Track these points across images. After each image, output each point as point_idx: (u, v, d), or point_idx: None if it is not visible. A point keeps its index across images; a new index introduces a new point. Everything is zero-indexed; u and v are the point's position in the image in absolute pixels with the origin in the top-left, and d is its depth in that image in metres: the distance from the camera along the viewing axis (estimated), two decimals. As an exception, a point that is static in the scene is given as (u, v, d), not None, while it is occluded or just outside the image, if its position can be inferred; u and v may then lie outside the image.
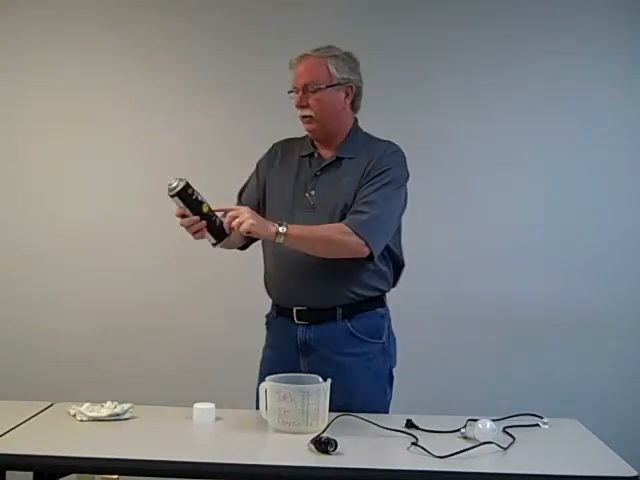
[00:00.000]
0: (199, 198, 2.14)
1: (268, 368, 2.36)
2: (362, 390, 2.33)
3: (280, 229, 2.18)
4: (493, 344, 3.38)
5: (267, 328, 2.51)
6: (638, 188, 3.40)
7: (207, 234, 2.17)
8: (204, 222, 2.15)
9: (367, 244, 2.26)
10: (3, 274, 3.45)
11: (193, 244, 3.61)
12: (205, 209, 2.15)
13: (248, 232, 2.17)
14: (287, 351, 2.38)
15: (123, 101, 3.45)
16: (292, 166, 2.43)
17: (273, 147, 2.52)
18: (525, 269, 3.38)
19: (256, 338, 3.43)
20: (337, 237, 2.26)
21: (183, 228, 2.18)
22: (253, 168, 2.53)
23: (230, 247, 2.44)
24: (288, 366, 2.28)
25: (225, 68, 3.42)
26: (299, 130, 2.46)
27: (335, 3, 3.37)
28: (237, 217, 2.14)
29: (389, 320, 2.45)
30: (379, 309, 2.41)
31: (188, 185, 2.13)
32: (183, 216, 2.16)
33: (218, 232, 2.18)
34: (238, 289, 3.40)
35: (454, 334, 3.35)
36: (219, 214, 2.19)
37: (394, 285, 2.46)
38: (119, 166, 3.46)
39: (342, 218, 2.30)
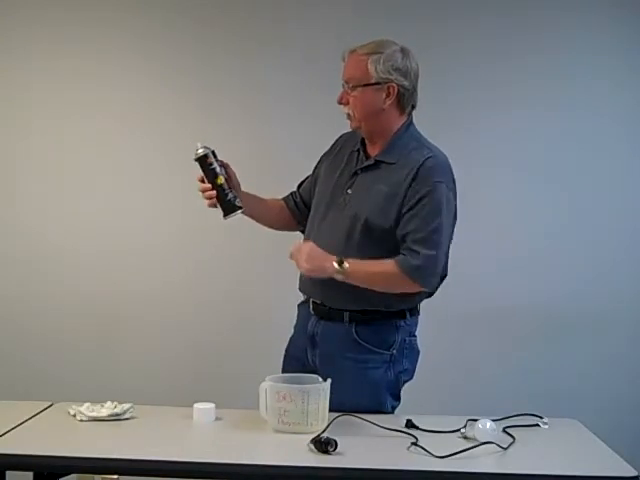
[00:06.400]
0: (216, 170, 2.30)
1: (288, 350, 2.48)
2: (353, 397, 2.24)
3: (337, 267, 2.20)
4: (493, 344, 3.38)
5: (297, 313, 2.53)
6: (638, 187, 3.41)
7: (218, 205, 2.31)
8: (214, 192, 2.30)
9: (420, 284, 2.25)
10: (3, 274, 3.45)
11: (193, 244, 3.62)
12: (219, 181, 2.30)
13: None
14: (301, 339, 2.43)
15: (126, 101, 3.44)
16: (342, 160, 2.41)
17: (338, 139, 2.50)
18: (525, 269, 3.38)
19: (256, 338, 3.45)
20: (392, 281, 2.24)
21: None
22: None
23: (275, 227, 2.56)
24: (300, 353, 2.40)
25: (228, 68, 3.42)
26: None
27: (336, 3, 3.38)
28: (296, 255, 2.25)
29: (408, 333, 2.36)
30: (397, 320, 2.33)
31: (208, 155, 2.29)
32: (203, 182, 2.31)
33: (227, 206, 2.31)
34: (238, 289, 3.40)
35: (454, 334, 3.35)
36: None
37: (430, 296, 2.41)
38: (120, 166, 3.46)
39: (363, 232, 2.26)
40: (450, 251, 2.38)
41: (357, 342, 2.31)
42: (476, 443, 1.96)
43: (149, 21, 3.43)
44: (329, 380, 2.10)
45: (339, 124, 2.48)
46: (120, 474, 2.17)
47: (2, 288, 3.44)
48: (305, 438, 1.95)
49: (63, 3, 3.43)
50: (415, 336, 2.40)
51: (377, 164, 2.32)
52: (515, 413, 2.22)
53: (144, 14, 3.43)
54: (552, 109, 3.37)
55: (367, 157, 2.36)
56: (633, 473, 1.83)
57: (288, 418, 2.05)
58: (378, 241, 2.28)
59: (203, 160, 2.29)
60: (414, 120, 2.39)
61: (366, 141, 2.38)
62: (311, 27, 3.33)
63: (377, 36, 3.40)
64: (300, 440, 1.95)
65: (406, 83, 2.29)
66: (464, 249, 3.33)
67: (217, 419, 2.20)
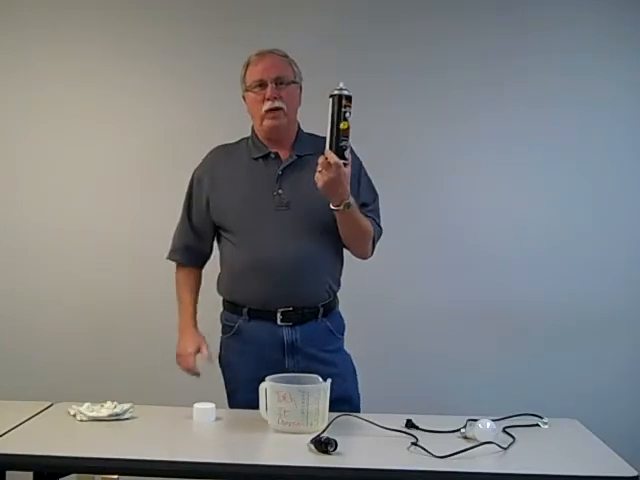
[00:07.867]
0: (346, 115, 2.17)
1: (244, 376, 2.36)
2: (348, 381, 2.43)
3: (349, 201, 2.24)
4: (493, 344, 3.38)
5: (233, 334, 2.48)
6: (638, 187, 3.41)
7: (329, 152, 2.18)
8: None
9: (373, 249, 2.46)
10: (3, 273, 3.45)
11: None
12: (343, 126, 2.17)
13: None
14: (269, 355, 2.37)
15: (126, 101, 3.45)
16: (242, 169, 2.42)
17: (207, 157, 2.53)
18: (526, 269, 3.38)
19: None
20: (366, 237, 2.40)
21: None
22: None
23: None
24: (271, 369, 2.22)
25: (229, 68, 3.39)
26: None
27: (337, 3, 3.38)
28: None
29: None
30: (337, 307, 2.49)
31: (348, 99, 2.16)
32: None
33: (340, 154, 2.18)
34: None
35: (454, 334, 3.35)
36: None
37: None
38: (119, 166, 3.46)
39: (324, 217, 2.31)
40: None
41: (332, 333, 2.43)
42: (476, 443, 1.96)
43: (149, 21, 3.43)
44: (329, 380, 2.11)
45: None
46: (120, 474, 2.17)
47: (2, 288, 3.44)
48: (305, 438, 1.95)
49: (63, 3, 3.44)
50: None
51: (299, 159, 2.41)
52: (515, 413, 2.22)
53: (144, 14, 3.43)
54: (552, 109, 3.37)
55: (282, 159, 2.43)
56: (633, 473, 1.83)
57: (288, 418, 2.05)
58: (336, 224, 2.36)
59: (337, 99, 2.15)
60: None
61: (269, 144, 2.43)
62: (311, 30, 3.33)
63: (376, 36, 3.43)
64: (300, 440, 1.96)
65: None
66: (464, 249, 3.37)
67: (217, 419, 2.20)
